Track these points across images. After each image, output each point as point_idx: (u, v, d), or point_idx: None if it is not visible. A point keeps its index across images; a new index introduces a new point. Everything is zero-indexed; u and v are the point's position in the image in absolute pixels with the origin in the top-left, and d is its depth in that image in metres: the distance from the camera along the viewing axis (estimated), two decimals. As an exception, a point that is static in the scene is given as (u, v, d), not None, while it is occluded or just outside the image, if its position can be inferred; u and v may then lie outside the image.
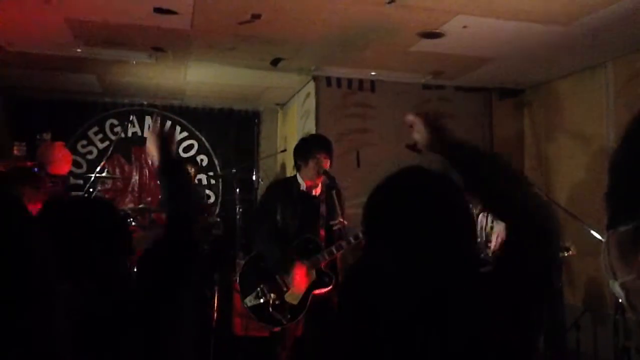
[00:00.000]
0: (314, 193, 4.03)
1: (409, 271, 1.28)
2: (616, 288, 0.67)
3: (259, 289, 3.87)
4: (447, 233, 1.31)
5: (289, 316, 3.84)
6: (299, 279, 3.84)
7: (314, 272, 3.87)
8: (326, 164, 3.92)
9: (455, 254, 1.31)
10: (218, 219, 6.56)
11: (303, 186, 4.01)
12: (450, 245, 1.31)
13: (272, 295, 3.85)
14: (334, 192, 3.83)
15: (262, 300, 3.86)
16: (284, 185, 4.17)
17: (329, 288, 3.89)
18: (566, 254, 4.34)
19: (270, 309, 3.84)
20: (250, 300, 3.88)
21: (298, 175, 4.04)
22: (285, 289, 3.85)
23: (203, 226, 6.03)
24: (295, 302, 3.85)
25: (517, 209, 1.33)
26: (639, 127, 0.71)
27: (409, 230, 1.31)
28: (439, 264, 1.28)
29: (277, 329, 3.94)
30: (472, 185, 1.50)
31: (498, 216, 1.48)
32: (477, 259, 1.36)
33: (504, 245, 1.40)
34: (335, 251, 3.82)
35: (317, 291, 3.89)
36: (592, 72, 5.41)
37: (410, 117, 1.67)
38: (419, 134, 1.64)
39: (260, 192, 6.86)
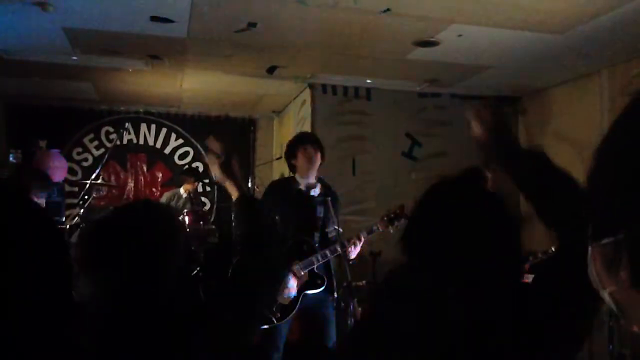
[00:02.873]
0: (312, 194, 4.01)
1: (452, 295, 1.19)
2: (606, 297, 0.69)
3: None
4: (494, 253, 1.24)
5: (278, 315, 3.83)
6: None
7: (306, 273, 3.87)
8: (317, 155, 3.90)
9: (503, 277, 1.23)
10: (213, 227, 6.54)
11: (301, 185, 4.00)
12: (498, 268, 1.23)
13: None
14: (329, 199, 3.83)
15: None
16: (283, 185, 4.16)
17: (321, 289, 3.90)
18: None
19: None
20: None
21: (297, 175, 4.03)
22: None
23: (199, 235, 6.02)
24: (286, 302, 3.85)
25: (570, 220, 1.24)
26: (615, 147, 0.71)
27: (455, 250, 1.22)
28: (486, 288, 1.20)
29: (265, 326, 3.92)
30: (527, 192, 1.42)
31: (549, 224, 1.37)
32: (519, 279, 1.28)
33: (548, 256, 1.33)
34: (329, 254, 3.83)
35: (309, 292, 3.88)
36: (587, 79, 5.44)
37: (471, 115, 1.52)
38: (477, 129, 1.51)
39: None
